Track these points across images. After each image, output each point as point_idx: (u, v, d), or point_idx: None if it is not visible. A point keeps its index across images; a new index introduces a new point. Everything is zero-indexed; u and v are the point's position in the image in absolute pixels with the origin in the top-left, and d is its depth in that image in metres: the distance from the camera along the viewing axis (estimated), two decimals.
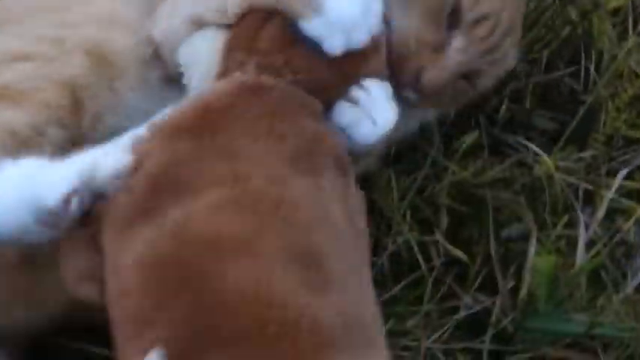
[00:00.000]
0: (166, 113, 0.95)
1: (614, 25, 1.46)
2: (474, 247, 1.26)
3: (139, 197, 0.89)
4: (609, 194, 1.29)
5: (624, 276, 1.28)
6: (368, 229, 0.99)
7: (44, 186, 0.89)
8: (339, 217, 0.93)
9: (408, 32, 1.06)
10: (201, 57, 1.01)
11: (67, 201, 0.89)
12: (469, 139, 1.30)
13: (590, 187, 1.32)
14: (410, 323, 1.19)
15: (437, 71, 1.07)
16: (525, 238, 1.26)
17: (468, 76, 1.11)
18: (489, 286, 1.24)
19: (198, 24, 1.02)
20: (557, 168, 1.29)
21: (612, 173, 1.34)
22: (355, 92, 0.99)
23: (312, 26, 0.95)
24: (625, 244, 1.30)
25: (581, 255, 1.24)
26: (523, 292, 1.21)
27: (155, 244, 0.86)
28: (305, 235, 0.88)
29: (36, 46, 1.06)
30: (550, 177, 1.29)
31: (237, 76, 0.96)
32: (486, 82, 1.15)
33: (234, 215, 0.87)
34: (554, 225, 1.28)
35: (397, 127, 1.03)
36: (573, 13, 1.42)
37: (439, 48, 1.07)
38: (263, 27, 0.98)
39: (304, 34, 0.96)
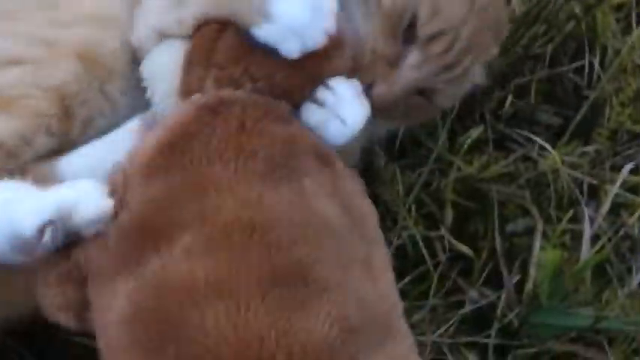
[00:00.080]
0: (134, 145, 0.95)
1: (617, 20, 1.47)
2: (479, 242, 1.27)
3: (118, 250, 0.89)
4: (614, 189, 1.30)
5: (629, 270, 1.28)
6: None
7: (21, 213, 0.88)
8: (329, 213, 0.92)
9: (365, 42, 1.04)
10: (163, 71, 1.00)
11: (41, 231, 0.88)
12: (474, 134, 1.31)
13: (595, 182, 1.33)
14: (415, 318, 1.19)
15: (386, 87, 1.03)
16: (530, 232, 1.27)
17: (423, 92, 1.07)
18: (494, 281, 1.24)
19: (162, 35, 1.01)
20: (562, 162, 1.30)
21: (617, 168, 1.34)
22: (321, 93, 0.98)
23: (264, 33, 0.94)
24: (630, 238, 1.31)
25: (586, 249, 1.24)
26: (528, 287, 1.21)
27: (137, 299, 0.86)
28: (284, 253, 0.87)
29: (26, 49, 1.03)
30: (555, 172, 1.30)
31: (197, 99, 0.95)
32: (445, 100, 1.10)
33: (206, 257, 0.86)
34: (559, 219, 1.28)
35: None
36: (577, 8, 1.42)
37: (394, 62, 1.04)
38: (220, 37, 0.97)
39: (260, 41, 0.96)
